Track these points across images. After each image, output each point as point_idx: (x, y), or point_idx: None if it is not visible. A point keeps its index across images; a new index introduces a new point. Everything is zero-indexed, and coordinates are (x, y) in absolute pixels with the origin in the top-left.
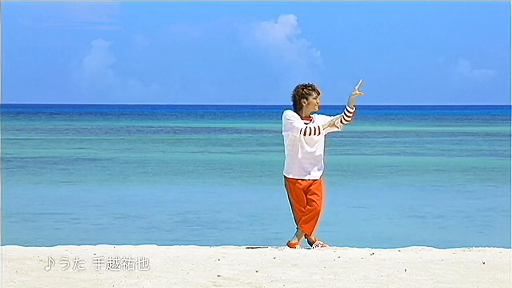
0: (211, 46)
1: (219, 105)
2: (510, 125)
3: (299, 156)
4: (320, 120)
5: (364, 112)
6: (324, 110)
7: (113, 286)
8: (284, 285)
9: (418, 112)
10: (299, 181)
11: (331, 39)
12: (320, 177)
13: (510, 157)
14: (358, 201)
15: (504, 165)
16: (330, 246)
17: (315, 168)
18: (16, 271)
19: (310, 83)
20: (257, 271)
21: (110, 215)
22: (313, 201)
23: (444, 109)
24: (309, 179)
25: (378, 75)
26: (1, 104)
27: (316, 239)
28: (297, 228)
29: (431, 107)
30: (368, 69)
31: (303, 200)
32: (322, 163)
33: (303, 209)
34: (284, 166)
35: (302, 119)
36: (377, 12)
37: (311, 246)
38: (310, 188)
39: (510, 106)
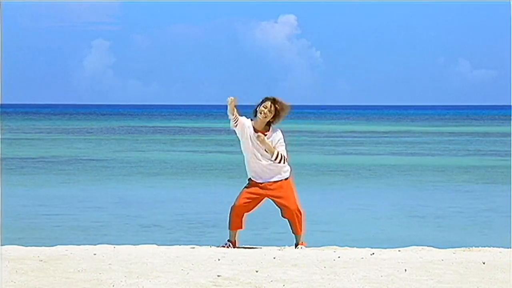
0: (211, 46)
1: (219, 105)
2: (510, 125)
3: (253, 162)
4: (273, 140)
5: (364, 112)
6: (324, 110)
7: (113, 286)
8: (284, 285)
9: (418, 112)
10: (258, 183)
11: (331, 39)
12: (281, 179)
13: (510, 157)
14: (358, 201)
15: (504, 165)
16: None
17: (272, 173)
18: (16, 271)
19: (279, 99)
20: (257, 271)
21: (110, 215)
22: (284, 205)
23: (444, 109)
24: (267, 182)
25: (378, 75)
26: (1, 104)
27: (303, 242)
28: (294, 235)
29: (431, 107)
30: (368, 69)
31: (248, 199)
32: (279, 169)
33: (242, 205)
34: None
35: (256, 131)
36: (377, 12)
37: (296, 246)
38: (274, 193)
39: (510, 106)
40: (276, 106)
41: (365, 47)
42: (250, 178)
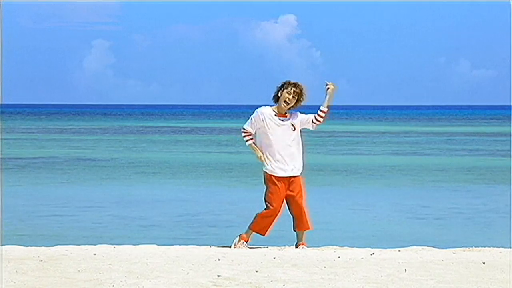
0: (211, 46)
1: (219, 105)
2: (510, 125)
3: (282, 149)
4: (296, 118)
5: (364, 112)
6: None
7: (113, 286)
8: (284, 285)
9: (418, 112)
10: (280, 179)
11: (331, 39)
12: (298, 175)
13: (510, 157)
14: (358, 201)
15: (504, 165)
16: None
17: (296, 160)
18: (16, 271)
19: (299, 83)
20: (257, 271)
21: (110, 215)
22: (296, 201)
23: (444, 109)
24: (288, 176)
25: (378, 75)
26: (1, 104)
27: (302, 243)
28: (296, 232)
29: (431, 107)
30: (368, 69)
31: (281, 204)
32: (299, 161)
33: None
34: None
35: (277, 115)
36: (377, 12)
37: (296, 246)
38: (291, 187)
39: (510, 106)
40: (300, 90)
41: (365, 47)
42: (271, 176)
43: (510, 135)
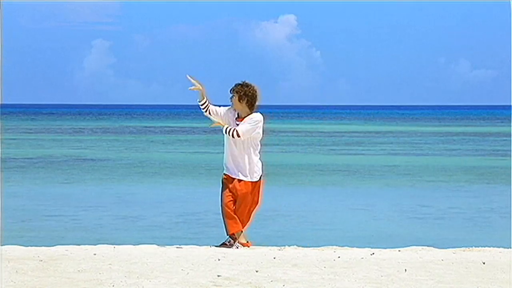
0: (211, 46)
1: (219, 105)
2: (510, 125)
3: (231, 153)
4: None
5: (364, 112)
6: (324, 110)
7: (113, 286)
8: (284, 285)
9: (418, 112)
10: (232, 178)
11: (331, 39)
12: (250, 181)
13: (510, 157)
14: (358, 201)
15: (504, 165)
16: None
17: (244, 168)
18: (16, 271)
19: (244, 82)
20: (257, 271)
21: (110, 215)
22: (239, 205)
23: (444, 109)
24: (237, 178)
25: (378, 75)
26: (1, 104)
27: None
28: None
29: (431, 107)
30: (368, 69)
31: (231, 196)
32: (251, 168)
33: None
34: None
35: (237, 118)
36: (377, 12)
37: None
38: (239, 190)
39: (510, 106)
40: (243, 89)
41: (365, 47)
42: (224, 174)
43: (510, 135)
